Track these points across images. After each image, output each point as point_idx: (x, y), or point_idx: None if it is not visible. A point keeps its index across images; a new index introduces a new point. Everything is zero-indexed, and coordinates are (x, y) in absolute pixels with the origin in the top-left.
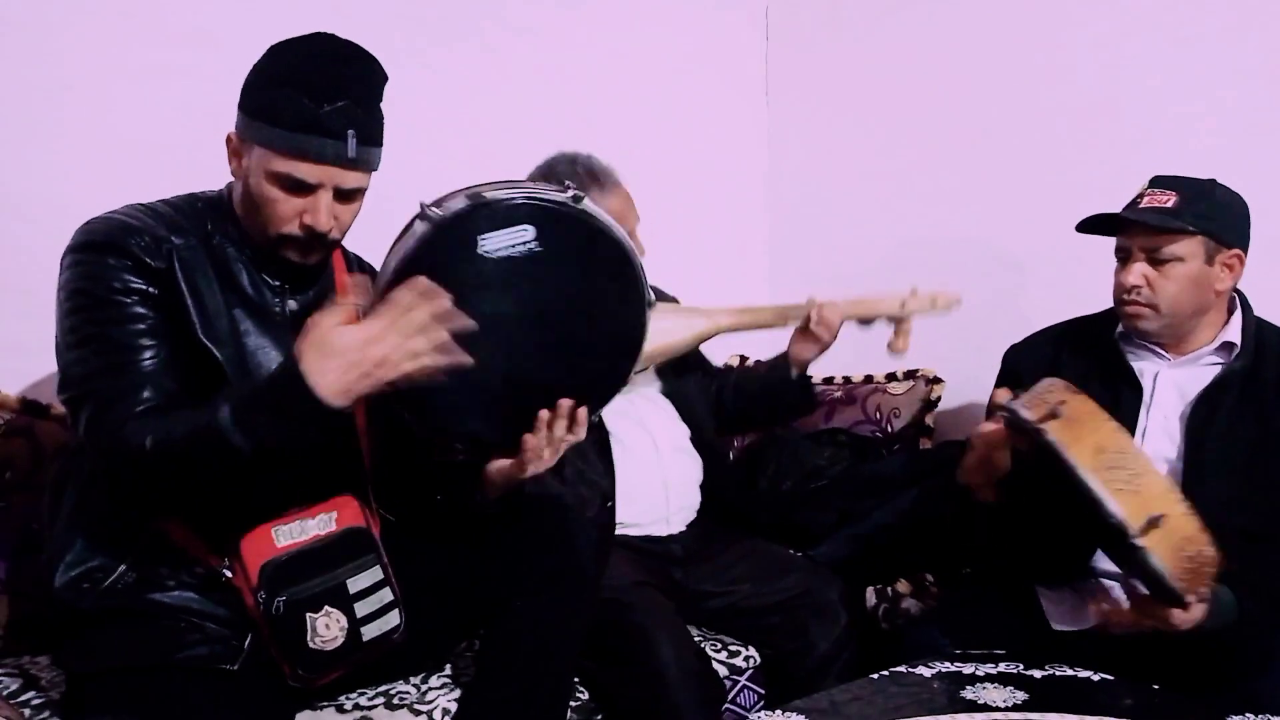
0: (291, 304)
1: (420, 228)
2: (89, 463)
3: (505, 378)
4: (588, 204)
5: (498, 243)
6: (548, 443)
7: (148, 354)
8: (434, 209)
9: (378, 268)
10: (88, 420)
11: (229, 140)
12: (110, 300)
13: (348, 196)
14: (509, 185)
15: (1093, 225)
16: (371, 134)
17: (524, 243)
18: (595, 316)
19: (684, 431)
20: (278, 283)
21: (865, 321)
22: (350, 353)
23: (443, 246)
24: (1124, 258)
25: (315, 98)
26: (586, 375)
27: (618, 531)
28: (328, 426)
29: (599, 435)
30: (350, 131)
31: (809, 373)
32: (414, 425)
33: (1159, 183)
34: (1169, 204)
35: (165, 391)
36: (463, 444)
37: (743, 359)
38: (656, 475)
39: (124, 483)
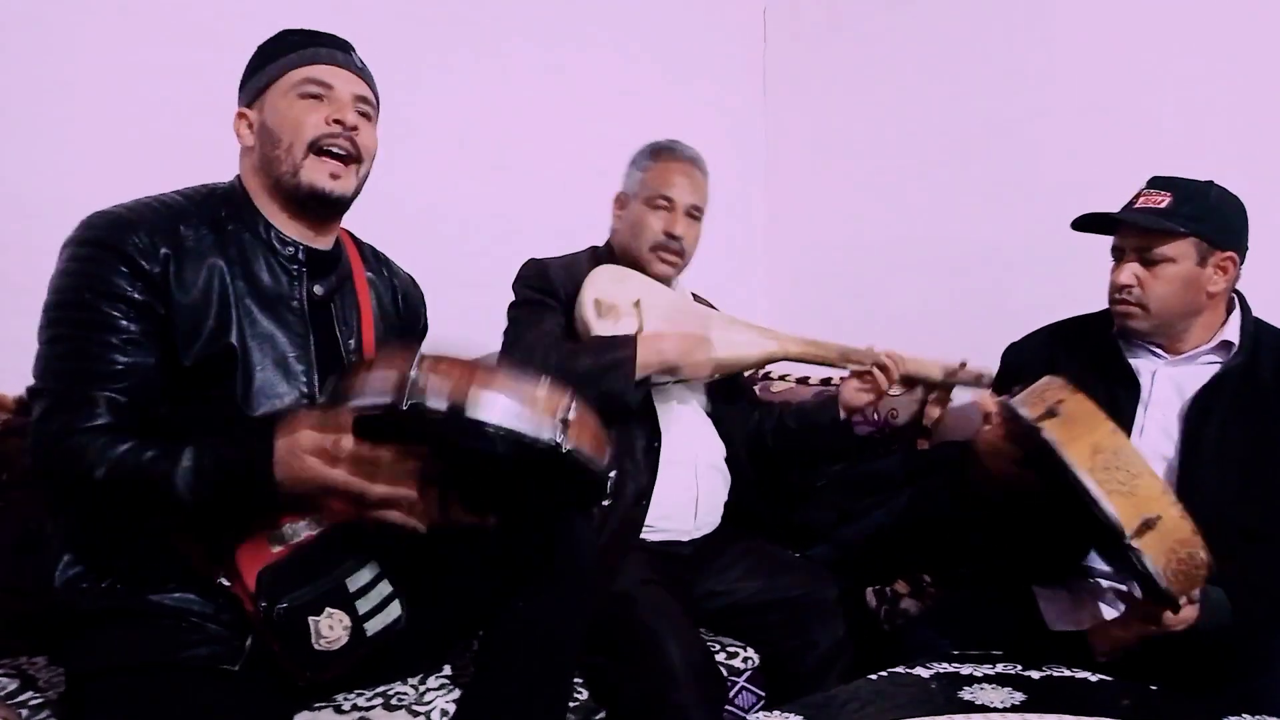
0: (318, 289)
1: (392, 398)
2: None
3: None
4: (573, 450)
5: (465, 441)
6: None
7: (115, 367)
8: (415, 397)
9: (390, 258)
10: (36, 419)
11: (238, 117)
12: (90, 304)
13: (365, 112)
14: (503, 390)
15: (1088, 224)
16: (366, 65)
17: (491, 450)
18: (542, 495)
19: (721, 450)
20: (295, 267)
21: (910, 383)
22: (307, 483)
23: (408, 425)
24: (1118, 257)
25: (314, 33)
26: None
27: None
28: (269, 505)
29: (649, 436)
30: (350, 50)
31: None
32: None
33: (1156, 183)
34: (1162, 204)
35: (120, 409)
36: None
37: (765, 374)
38: (691, 487)
39: (59, 490)
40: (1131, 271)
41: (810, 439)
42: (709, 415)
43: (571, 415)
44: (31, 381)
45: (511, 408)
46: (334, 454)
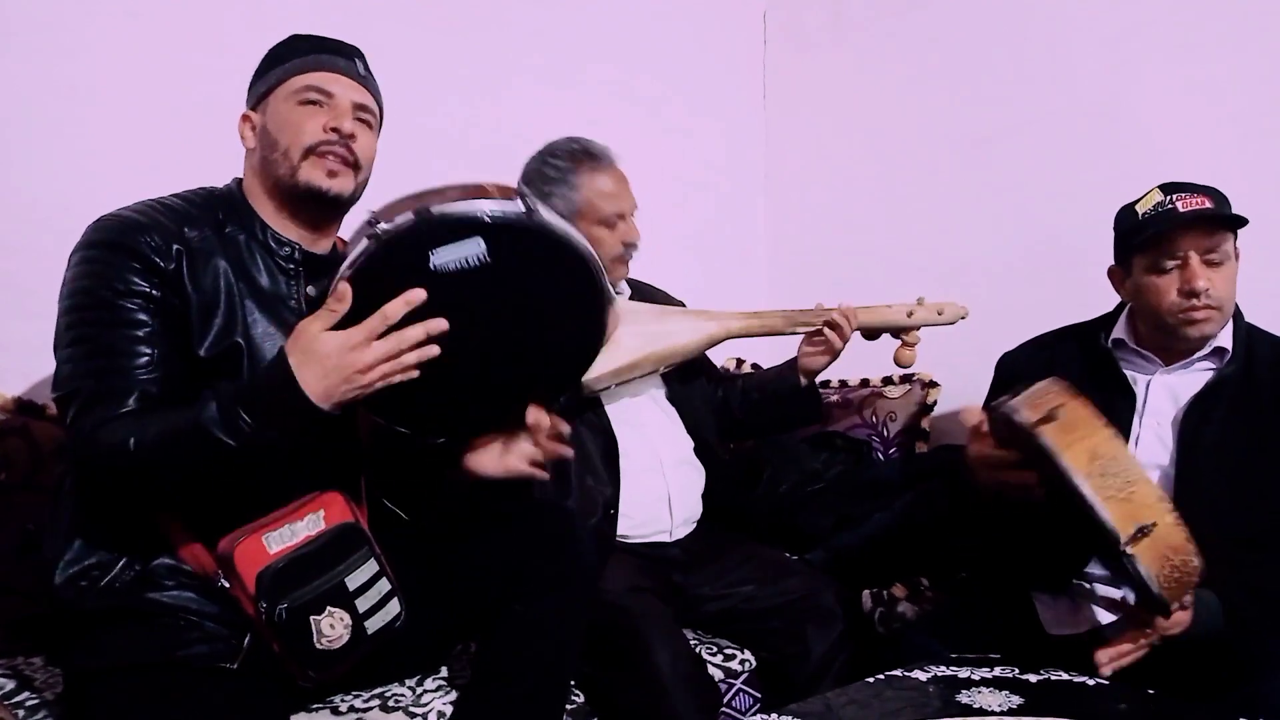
0: (311, 290)
1: (369, 245)
2: (73, 462)
3: (465, 382)
4: (540, 214)
5: (448, 256)
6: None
7: (140, 360)
8: (382, 224)
9: None
10: (70, 420)
11: (243, 120)
12: (110, 302)
13: (365, 120)
14: (459, 192)
15: (1130, 232)
16: (372, 73)
17: (474, 255)
18: (553, 320)
19: (688, 443)
20: (291, 267)
21: (871, 334)
22: (332, 358)
23: (393, 263)
24: (1178, 264)
25: (321, 40)
26: (546, 376)
27: (620, 538)
28: (314, 427)
29: (606, 444)
30: (356, 58)
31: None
32: (382, 419)
33: (1177, 188)
34: (1209, 205)
35: (150, 399)
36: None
37: (739, 361)
38: (660, 489)
39: (102, 484)
40: (1206, 274)
41: (775, 407)
42: (671, 404)
43: (529, 195)
44: (26, 389)
45: (470, 202)
46: (335, 310)
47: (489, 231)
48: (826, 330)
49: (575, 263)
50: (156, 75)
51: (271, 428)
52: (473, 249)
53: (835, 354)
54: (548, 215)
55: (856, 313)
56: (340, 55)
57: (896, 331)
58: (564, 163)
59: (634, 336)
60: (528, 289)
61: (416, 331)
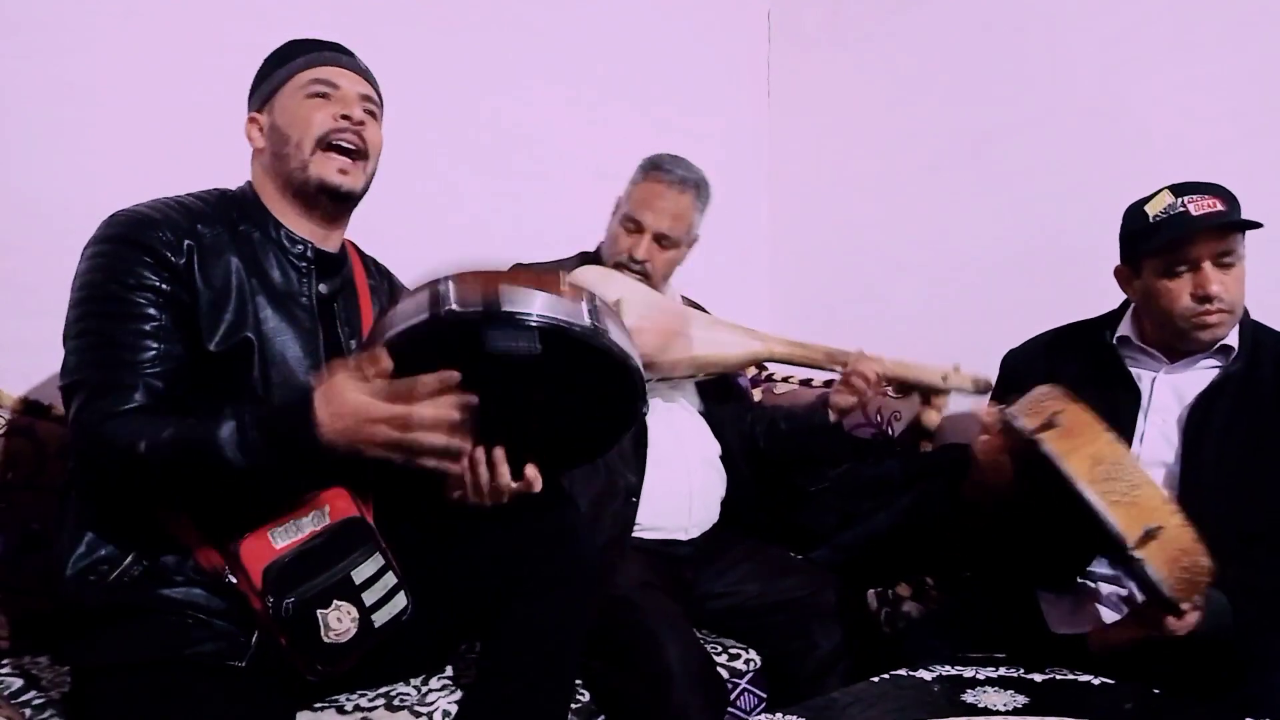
0: (323, 287)
1: (427, 320)
2: (75, 453)
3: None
4: (608, 334)
5: (500, 342)
6: (481, 485)
7: (147, 354)
8: (450, 304)
9: (390, 270)
10: (74, 411)
11: (249, 122)
12: (120, 296)
13: (370, 111)
14: (532, 280)
15: (1150, 240)
16: (370, 69)
17: (526, 348)
18: (579, 416)
19: (715, 448)
20: (304, 265)
21: (903, 389)
22: (348, 419)
23: (446, 334)
24: (1190, 268)
25: (319, 40)
26: (552, 454)
27: (635, 533)
28: (320, 465)
29: (637, 432)
30: (355, 56)
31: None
32: None
33: (1187, 189)
34: (1222, 207)
35: (156, 393)
36: None
37: (768, 376)
38: (684, 485)
39: (103, 476)
40: (1218, 278)
41: (802, 441)
42: (701, 415)
43: (599, 303)
44: (27, 388)
45: (542, 298)
46: (369, 377)
47: (550, 337)
48: (854, 375)
49: (622, 381)
50: (156, 75)
51: (282, 455)
52: (527, 342)
53: (864, 400)
54: (613, 334)
55: (888, 364)
56: (340, 52)
57: (927, 394)
58: (643, 162)
59: (682, 338)
60: (566, 386)
61: (429, 411)
